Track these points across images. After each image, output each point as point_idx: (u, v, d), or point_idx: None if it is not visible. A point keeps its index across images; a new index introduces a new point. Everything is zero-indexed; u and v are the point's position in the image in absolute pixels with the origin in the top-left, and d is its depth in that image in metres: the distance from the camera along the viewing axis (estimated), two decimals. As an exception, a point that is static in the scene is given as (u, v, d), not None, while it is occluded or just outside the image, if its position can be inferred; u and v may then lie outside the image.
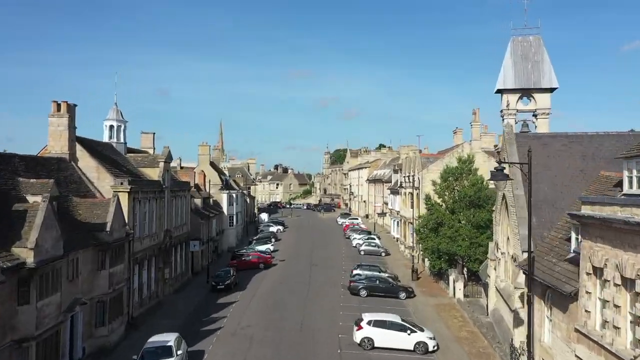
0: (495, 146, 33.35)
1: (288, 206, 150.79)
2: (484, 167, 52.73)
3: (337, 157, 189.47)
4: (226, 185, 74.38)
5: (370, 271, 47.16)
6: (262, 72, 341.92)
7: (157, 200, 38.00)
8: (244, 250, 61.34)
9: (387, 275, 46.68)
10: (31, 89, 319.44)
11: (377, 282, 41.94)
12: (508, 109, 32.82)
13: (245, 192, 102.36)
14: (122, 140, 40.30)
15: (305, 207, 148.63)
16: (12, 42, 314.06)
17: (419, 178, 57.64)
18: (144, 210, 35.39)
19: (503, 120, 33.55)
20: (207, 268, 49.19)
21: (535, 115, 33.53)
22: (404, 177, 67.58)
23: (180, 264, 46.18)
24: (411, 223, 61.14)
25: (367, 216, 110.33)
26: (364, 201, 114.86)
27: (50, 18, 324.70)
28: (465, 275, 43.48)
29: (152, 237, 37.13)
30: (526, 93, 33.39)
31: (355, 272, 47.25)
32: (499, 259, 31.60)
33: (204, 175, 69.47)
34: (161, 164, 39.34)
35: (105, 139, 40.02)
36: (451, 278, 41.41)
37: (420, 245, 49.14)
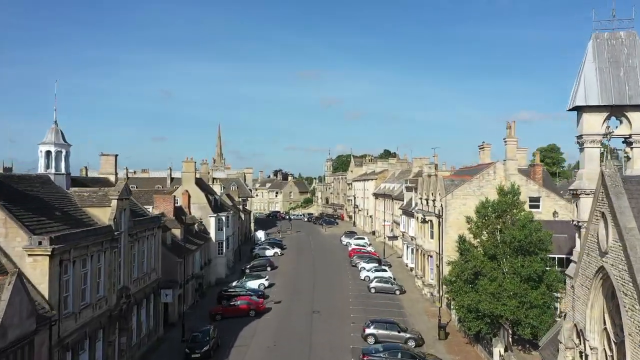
0: (574, 191, 23.40)
1: (287, 217, 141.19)
2: (521, 191, 43.04)
3: (340, 163, 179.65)
4: (215, 207, 64.73)
5: (387, 330, 37.57)
6: (264, 73, 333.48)
7: (107, 252, 28.33)
8: (233, 290, 51.59)
9: (408, 336, 37.05)
10: (31, 90, 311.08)
11: (399, 355, 32.14)
12: (592, 135, 23.08)
13: (239, 206, 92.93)
14: (62, 170, 30.59)
15: (306, 219, 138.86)
16: (12, 43, 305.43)
17: (442, 205, 47.89)
18: (82, 272, 25.72)
19: (582, 149, 23.84)
20: (182, 324, 39.37)
21: (628, 143, 23.75)
22: (421, 199, 57.89)
23: (147, 323, 36.47)
24: (431, 256, 51.53)
25: (373, 233, 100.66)
26: (370, 216, 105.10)
27: (46, 18, 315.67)
28: (510, 339, 33.88)
29: (98, 305, 27.45)
30: (616, 112, 23.60)
31: (368, 331, 37.65)
32: (584, 353, 21.89)
33: (189, 197, 60.08)
34: (114, 203, 29.64)
35: (41, 169, 30.36)
36: (496, 351, 31.66)
37: (449, 296, 39.26)
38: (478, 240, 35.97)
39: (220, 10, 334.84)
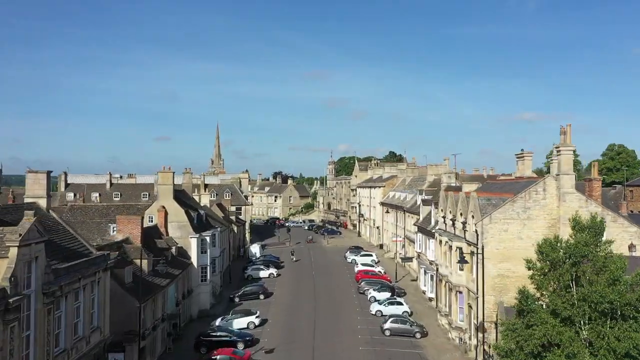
0: None
1: (286, 224, 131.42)
2: (582, 214, 32.79)
3: (343, 166, 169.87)
4: (199, 224, 54.80)
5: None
6: (269, 73, 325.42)
7: (-4, 331, 18.37)
8: (214, 333, 41.51)
9: None
10: (33, 90, 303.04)
11: None
12: None
13: (232, 217, 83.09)
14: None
15: (306, 227, 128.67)
16: (15, 44, 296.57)
17: (477, 231, 37.82)
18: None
19: None
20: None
21: None
22: (444, 217, 47.90)
23: (83, 406, 26.43)
24: (460, 292, 41.54)
25: (381, 246, 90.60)
26: (377, 227, 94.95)
27: (46, 18, 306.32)
28: None
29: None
30: None
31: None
32: None
33: (165, 214, 50.18)
34: (13, 252, 19.65)
35: None
36: None
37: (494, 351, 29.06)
38: (542, 292, 25.95)
39: (224, 11, 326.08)
